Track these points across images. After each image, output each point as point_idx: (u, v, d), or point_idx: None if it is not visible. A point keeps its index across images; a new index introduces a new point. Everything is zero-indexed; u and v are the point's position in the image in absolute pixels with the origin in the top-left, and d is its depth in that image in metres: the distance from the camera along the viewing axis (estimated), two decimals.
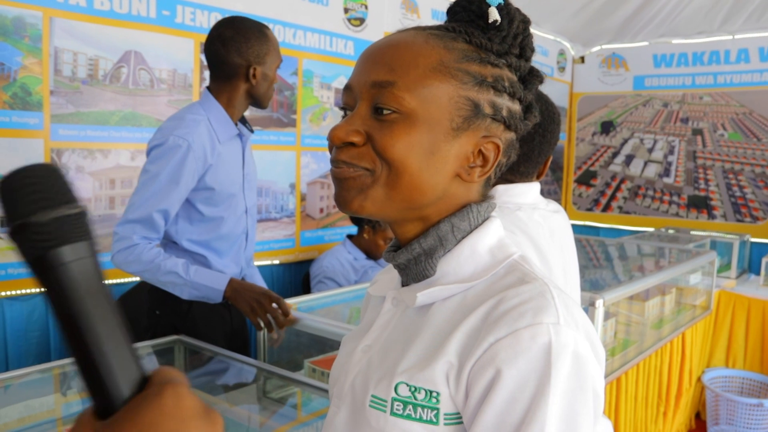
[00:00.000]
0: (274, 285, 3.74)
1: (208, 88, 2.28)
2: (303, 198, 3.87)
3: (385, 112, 0.76)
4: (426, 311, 0.80)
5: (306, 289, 3.63)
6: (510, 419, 0.68)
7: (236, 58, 2.22)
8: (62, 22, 2.72)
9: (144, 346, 2.34)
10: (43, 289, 0.48)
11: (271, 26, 3.52)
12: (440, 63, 0.77)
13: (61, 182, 0.48)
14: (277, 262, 3.75)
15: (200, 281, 2.16)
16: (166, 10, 3.08)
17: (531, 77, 0.85)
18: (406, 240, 0.83)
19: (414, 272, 0.82)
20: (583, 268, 3.35)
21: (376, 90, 0.77)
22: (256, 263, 3.63)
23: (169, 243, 2.25)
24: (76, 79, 2.80)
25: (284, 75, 3.67)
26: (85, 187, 2.86)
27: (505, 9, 0.81)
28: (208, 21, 3.25)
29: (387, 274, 0.94)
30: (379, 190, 0.77)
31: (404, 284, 0.86)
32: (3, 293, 2.65)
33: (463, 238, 0.81)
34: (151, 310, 2.35)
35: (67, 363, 2.20)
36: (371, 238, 3.56)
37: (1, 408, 1.92)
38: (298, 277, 3.85)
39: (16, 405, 1.97)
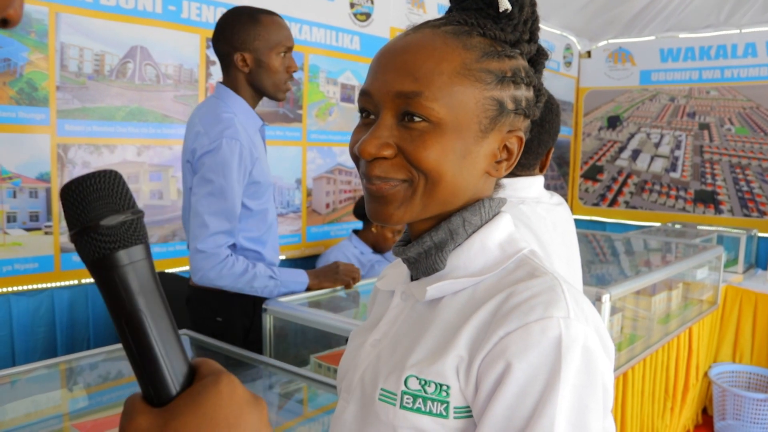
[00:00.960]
0: None
1: (222, 82, 2.26)
2: (309, 193, 3.87)
3: (415, 120, 0.75)
4: (436, 305, 0.80)
5: None
6: (520, 412, 0.68)
7: (223, 46, 2.20)
8: (68, 18, 2.72)
9: None
10: (102, 288, 0.52)
11: None
12: (463, 66, 0.75)
13: (124, 188, 0.52)
14: (283, 257, 3.75)
15: (287, 278, 2.27)
16: (172, 6, 3.08)
17: (539, 57, 0.85)
18: (418, 234, 0.83)
19: (424, 266, 0.82)
20: (589, 263, 3.35)
21: (401, 100, 0.75)
22: None
23: None
24: (82, 75, 2.80)
25: None
26: None
27: None
28: (214, 16, 3.25)
29: (395, 269, 0.93)
30: (418, 201, 0.77)
31: (414, 278, 0.86)
32: (10, 289, 2.66)
33: (473, 232, 0.81)
34: (211, 318, 2.32)
35: (73, 358, 2.21)
36: (380, 232, 3.56)
37: (8, 403, 1.93)
38: None
39: (22, 400, 1.98)
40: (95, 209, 0.51)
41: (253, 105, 2.29)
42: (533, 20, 0.81)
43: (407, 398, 0.74)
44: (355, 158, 0.79)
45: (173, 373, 0.52)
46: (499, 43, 0.78)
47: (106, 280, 0.51)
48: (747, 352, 4.18)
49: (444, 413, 0.73)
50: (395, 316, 0.85)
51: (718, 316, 4.09)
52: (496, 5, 0.78)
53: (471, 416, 0.73)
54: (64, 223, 2.80)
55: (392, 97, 0.76)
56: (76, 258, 2.84)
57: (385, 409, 0.76)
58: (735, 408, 3.81)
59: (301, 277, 2.34)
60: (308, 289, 2.36)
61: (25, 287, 2.70)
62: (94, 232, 0.50)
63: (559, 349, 0.68)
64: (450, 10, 0.84)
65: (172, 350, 0.52)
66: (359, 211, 3.77)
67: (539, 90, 0.84)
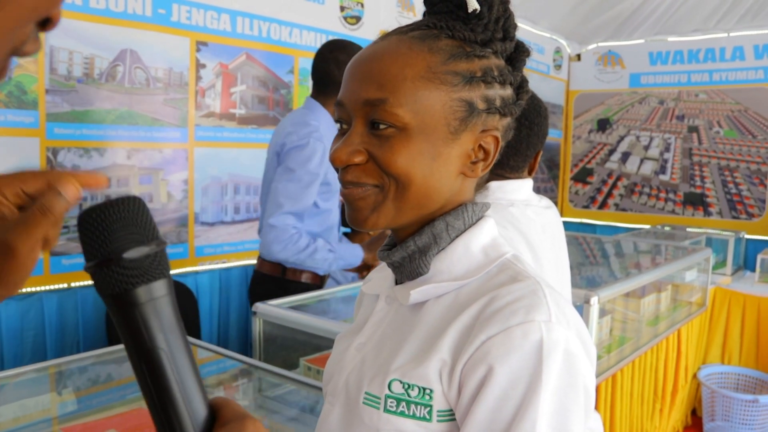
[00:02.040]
0: None
1: (312, 97, 2.60)
2: None
3: (381, 127, 0.76)
4: (419, 309, 0.80)
5: None
6: (502, 416, 0.69)
7: (322, 65, 2.55)
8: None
9: None
10: (121, 323, 0.49)
11: (266, 24, 3.53)
12: (428, 70, 0.76)
13: (148, 216, 0.49)
14: None
15: (345, 252, 2.57)
16: (161, 9, 3.07)
17: (518, 54, 0.83)
18: (402, 238, 0.84)
19: (408, 270, 0.82)
20: (579, 265, 3.37)
21: (369, 108, 0.76)
22: (252, 262, 3.64)
23: None
24: (72, 78, 2.80)
25: (280, 73, 3.67)
26: None
27: None
28: (203, 19, 3.25)
29: (381, 273, 0.94)
30: (390, 205, 0.78)
31: (398, 282, 0.86)
32: None
33: (457, 236, 0.81)
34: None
35: (63, 362, 2.21)
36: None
37: None
38: None
39: (11, 404, 1.97)
40: (117, 240, 0.47)
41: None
42: (506, 18, 0.80)
43: (391, 402, 0.74)
44: (335, 167, 0.80)
45: (193, 418, 0.49)
46: (468, 43, 0.78)
47: (126, 316, 0.48)
48: (735, 353, 4.21)
49: (427, 417, 0.73)
50: (380, 320, 0.85)
51: (707, 317, 4.12)
52: (465, 6, 0.78)
53: (454, 419, 0.74)
54: None
55: (361, 106, 0.77)
56: (65, 261, 2.84)
57: (369, 412, 0.76)
58: (724, 409, 3.83)
59: (357, 250, 2.62)
60: (363, 263, 2.64)
61: None
62: (116, 265, 0.47)
63: (540, 352, 0.69)
64: (424, 15, 0.85)
65: (192, 393, 0.50)
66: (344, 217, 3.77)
67: (521, 87, 0.84)
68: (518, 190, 1.58)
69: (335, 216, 2.66)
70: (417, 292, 0.79)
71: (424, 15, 0.84)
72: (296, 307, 2.35)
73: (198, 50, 3.25)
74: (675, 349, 3.45)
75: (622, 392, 2.78)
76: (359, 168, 0.78)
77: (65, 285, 2.85)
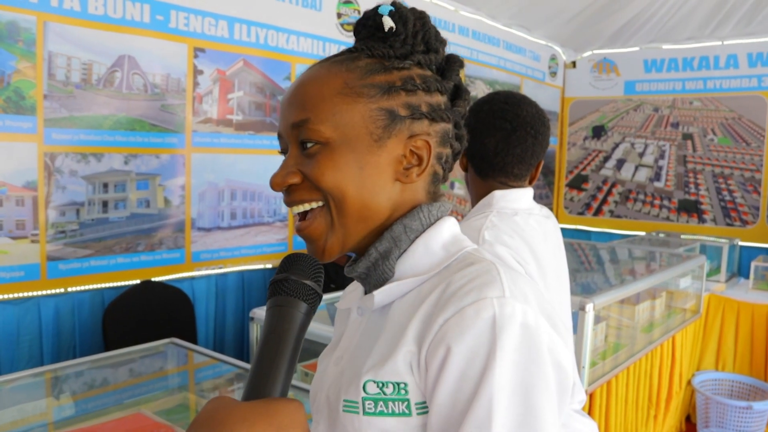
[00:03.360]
0: (266, 289, 3.74)
1: None
2: None
3: (308, 146, 0.80)
4: (387, 311, 0.82)
5: None
6: (462, 395, 0.69)
7: None
8: (56, 27, 2.73)
9: (140, 349, 2.35)
10: (270, 314, 0.73)
11: (263, 31, 3.55)
12: (344, 86, 0.80)
13: (317, 269, 0.77)
14: (269, 266, 3.77)
15: None
16: (159, 15, 3.09)
17: (449, 65, 0.87)
18: (363, 250, 0.85)
19: (374, 279, 0.84)
20: (574, 272, 3.37)
21: (296, 130, 0.81)
22: (249, 267, 3.65)
23: None
24: (70, 84, 2.81)
25: (277, 79, 3.69)
26: (78, 190, 2.87)
27: (397, 14, 0.84)
28: (201, 26, 3.26)
29: (352, 289, 0.96)
30: (336, 225, 0.81)
31: (367, 293, 0.88)
32: None
33: (416, 237, 0.83)
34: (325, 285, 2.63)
35: (59, 367, 2.21)
36: None
37: None
38: None
39: (8, 409, 1.98)
40: (293, 269, 0.76)
41: None
42: (424, 32, 0.85)
43: (369, 403, 0.75)
44: (276, 191, 0.85)
45: (276, 387, 0.68)
46: (387, 59, 0.82)
47: (277, 311, 0.72)
48: (730, 360, 4.22)
49: (407, 411, 0.74)
50: (353, 332, 0.87)
51: (701, 324, 4.13)
52: (383, 27, 0.83)
53: None
54: (51, 231, 2.79)
55: (290, 130, 0.81)
56: (62, 266, 2.84)
57: (350, 418, 0.77)
58: (718, 416, 3.84)
59: None
60: None
61: (10, 295, 2.70)
62: (287, 280, 0.74)
63: (494, 328, 0.68)
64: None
65: (284, 375, 0.69)
66: None
67: (458, 94, 0.88)
68: (521, 199, 1.60)
69: None
70: (380, 292, 0.80)
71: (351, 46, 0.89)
72: None
73: (195, 56, 3.26)
74: (669, 356, 3.46)
75: (616, 399, 2.80)
76: (297, 188, 0.81)
77: (62, 290, 2.85)
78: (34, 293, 2.77)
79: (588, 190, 6.53)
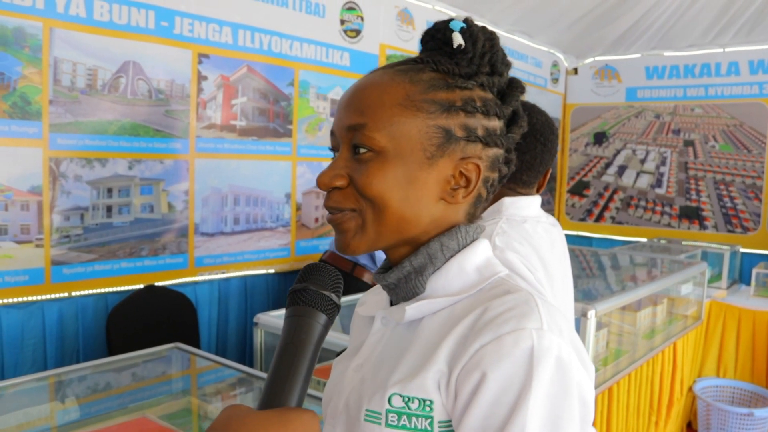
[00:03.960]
0: (269, 294, 3.76)
1: None
2: (298, 207, 3.89)
3: (360, 151, 0.80)
4: (416, 326, 0.82)
5: None
6: (494, 421, 0.70)
7: None
8: (62, 33, 2.75)
9: (143, 354, 2.36)
10: (288, 323, 0.74)
11: (267, 38, 3.57)
12: (406, 98, 0.80)
13: (336, 281, 0.77)
14: (272, 271, 3.77)
15: None
16: (164, 21, 3.11)
17: (511, 90, 0.87)
18: (396, 260, 0.86)
19: (404, 291, 0.85)
20: (575, 278, 3.36)
21: (351, 133, 0.81)
22: (251, 272, 3.66)
23: None
24: (75, 89, 2.82)
25: (280, 85, 3.70)
26: (82, 195, 2.88)
27: (468, 32, 0.83)
28: (206, 32, 3.28)
29: (375, 296, 0.96)
30: (369, 229, 0.81)
31: (393, 304, 0.88)
32: (0, 301, 2.66)
33: (451, 256, 0.83)
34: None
35: (62, 372, 2.22)
36: None
37: None
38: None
39: (12, 414, 1.98)
40: (313, 279, 0.76)
41: None
42: (492, 53, 0.84)
43: (392, 416, 0.76)
44: (321, 190, 0.85)
45: (291, 397, 0.69)
46: (451, 76, 0.82)
47: (295, 319, 0.73)
48: (731, 366, 4.23)
49: (428, 428, 0.75)
50: (377, 341, 0.87)
51: (703, 331, 4.14)
52: (452, 42, 0.83)
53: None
54: (55, 236, 2.81)
55: (345, 132, 0.81)
56: (66, 270, 2.85)
57: (371, 428, 0.78)
58: (719, 422, 3.85)
59: None
60: None
61: (15, 300, 2.71)
62: (306, 290, 0.75)
63: (531, 359, 0.70)
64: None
65: (300, 384, 0.70)
66: None
67: (514, 120, 0.87)
68: (530, 207, 1.62)
69: None
70: (412, 308, 0.81)
71: (417, 56, 0.88)
72: None
73: (200, 62, 3.28)
74: (671, 362, 3.47)
75: (618, 405, 2.80)
76: (340, 193, 0.81)
77: (66, 294, 2.86)
78: (38, 297, 2.78)
79: (589, 196, 6.53)
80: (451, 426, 0.75)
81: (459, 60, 0.82)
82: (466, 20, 0.84)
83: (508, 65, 0.86)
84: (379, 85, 0.81)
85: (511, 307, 0.74)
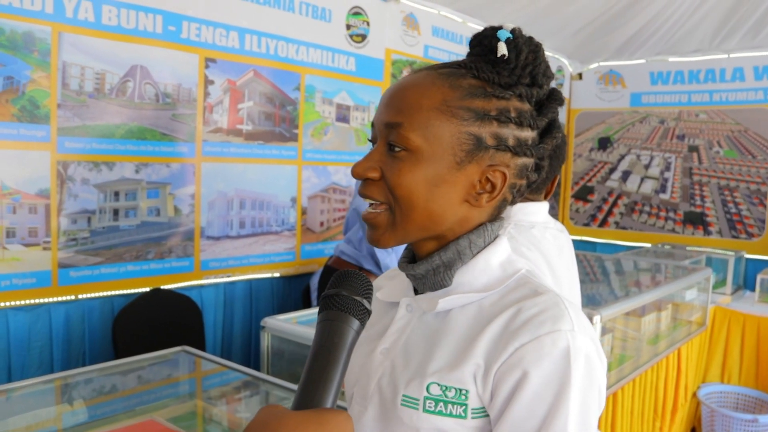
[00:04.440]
0: (274, 297, 3.77)
1: None
2: (304, 211, 3.90)
3: (395, 149, 0.84)
4: (444, 317, 0.88)
5: (306, 301, 3.65)
6: (536, 413, 0.78)
7: None
8: (70, 37, 2.77)
9: (150, 357, 2.36)
10: (322, 327, 0.74)
11: (274, 42, 3.58)
12: (443, 103, 0.83)
13: (367, 287, 0.78)
14: (277, 274, 3.78)
15: None
16: (172, 26, 3.12)
17: (549, 101, 0.90)
18: (423, 254, 0.91)
19: (431, 282, 0.90)
20: (580, 283, 3.38)
21: (388, 130, 0.85)
22: (257, 276, 3.67)
23: None
24: (83, 93, 2.84)
25: (287, 90, 3.72)
26: (89, 199, 2.90)
27: (513, 42, 0.86)
28: (213, 36, 3.30)
29: (391, 280, 1.02)
30: (399, 226, 0.86)
31: (418, 292, 0.93)
32: (7, 303, 2.68)
33: (478, 252, 0.89)
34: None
35: (69, 374, 2.23)
36: None
37: (4, 419, 1.94)
38: (298, 289, 3.87)
39: (19, 416, 1.99)
40: (345, 285, 0.77)
41: None
42: (534, 65, 0.87)
43: (429, 402, 0.83)
44: (354, 178, 0.90)
45: (325, 399, 0.70)
46: (491, 84, 0.85)
47: (328, 323, 0.74)
48: (735, 372, 4.22)
49: (463, 414, 0.82)
50: (403, 327, 0.92)
51: (707, 336, 4.14)
52: (496, 50, 0.86)
53: (485, 416, 0.82)
54: (62, 239, 2.82)
55: (383, 127, 0.86)
56: (73, 273, 2.87)
57: (408, 413, 0.85)
58: (724, 428, 3.84)
59: None
60: None
61: (22, 302, 2.72)
62: (338, 295, 0.76)
63: (568, 358, 0.78)
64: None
65: (334, 385, 0.71)
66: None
67: (548, 131, 0.90)
68: (538, 213, 1.63)
69: None
70: (445, 301, 0.87)
71: (462, 59, 0.91)
72: (304, 322, 2.38)
73: (207, 67, 3.30)
74: (675, 368, 3.47)
75: (622, 410, 2.80)
76: (373, 183, 0.87)
77: (73, 297, 2.88)
78: (45, 300, 2.80)
79: (593, 201, 6.53)
80: (482, 413, 0.82)
81: (501, 69, 0.86)
82: (513, 30, 0.88)
83: (549, 77, 0.89)
84: (420, 86, 0.85)
85: (544, 309, 0.81)
